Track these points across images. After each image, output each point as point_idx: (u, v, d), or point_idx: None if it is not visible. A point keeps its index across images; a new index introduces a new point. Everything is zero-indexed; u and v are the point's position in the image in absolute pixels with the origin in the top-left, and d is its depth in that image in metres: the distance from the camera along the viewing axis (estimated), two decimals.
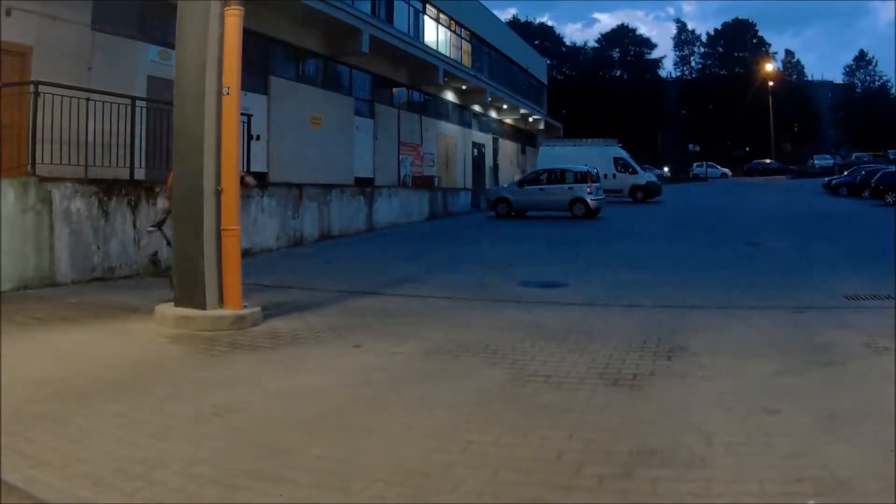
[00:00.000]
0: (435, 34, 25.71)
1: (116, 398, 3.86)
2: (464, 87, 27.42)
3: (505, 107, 33.31)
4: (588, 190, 20.55)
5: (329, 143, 17.86)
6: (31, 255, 7.74)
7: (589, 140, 31.69)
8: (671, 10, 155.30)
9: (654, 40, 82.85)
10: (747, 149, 65.42)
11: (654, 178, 30.87)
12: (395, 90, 23.41)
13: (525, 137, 39.91)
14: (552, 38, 75.78)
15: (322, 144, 17.48)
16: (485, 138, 32.47)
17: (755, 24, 73.74)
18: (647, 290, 7.90)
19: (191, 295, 5.96)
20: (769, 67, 64.83)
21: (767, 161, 59.63)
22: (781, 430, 3.31)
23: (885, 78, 73.16)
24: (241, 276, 6.16)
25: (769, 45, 74.07)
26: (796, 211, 22.07)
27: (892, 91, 72.71)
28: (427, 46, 24.03)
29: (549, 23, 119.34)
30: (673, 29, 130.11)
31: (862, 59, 75.24)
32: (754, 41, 72.19)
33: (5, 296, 7.08)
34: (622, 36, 75.74)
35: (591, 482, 2.78)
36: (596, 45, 76.91)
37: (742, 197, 30.07)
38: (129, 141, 9.35)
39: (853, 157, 50.87)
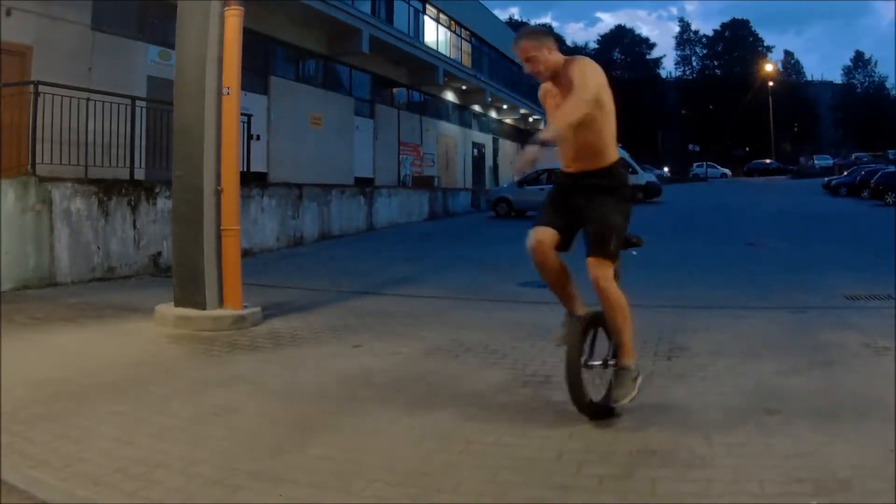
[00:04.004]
0: (435, 34, 25.72)
1: (116, 398, 3.86)
2: (464, 87, 27.44)
3: (505, 107, 33.33)
4: None
5: (329, 143, 17.87)
6: (31, 255, 7.74)
7: None
8: (674, 10, 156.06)
9: (656, 40, 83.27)
10: (747, 149, 65.46)
11: (654, 178, 30.88)
12: (395, 90, 23.42)
13: (525, 137, 39.88)
14: (552, 38, 75.76)
15: (322, 144, 17.49)
16: (485, 138, 32.48)
17: (750, 24, 73.83)
18: (647, 290, 7.88)
19: (191, 295, 5.96)
20: (769, 67, 64.86)
21: (767, 161, 59.67)
22: (781, 430, 3.31)
23: (884, 78, 73.23)
24: (241, 276, 6.15)
25: (763, 41, 74.14)
26: (796, 211, 22.07)
27: (892, 91, 72.74)
28: (427, 46, 24.03)
29: (552, 23, 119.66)
30: (675, 28, 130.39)
31: (860, 59, 75.27)
32: (751, 40, 72.16)
33: (5, 296, 7.08)
34: (622, 36, 75.78)
35: (591, 482, 2.78)
36: (596, 45, 77.01)
37: (742, 197, 30.07)
38: (129, 141, 9.36)
39: (853, 157, 50.88)
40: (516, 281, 8.67)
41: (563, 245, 3.52)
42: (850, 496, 2.59)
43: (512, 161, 36.80)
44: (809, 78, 77.86)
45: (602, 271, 3.38)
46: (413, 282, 8.74)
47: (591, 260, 3.41)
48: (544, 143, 3.15)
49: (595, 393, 3.52)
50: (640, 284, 8.34)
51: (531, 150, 3.12)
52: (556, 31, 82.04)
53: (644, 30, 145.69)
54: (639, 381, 3.53)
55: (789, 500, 2.58)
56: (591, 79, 3.33)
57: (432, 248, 13.24)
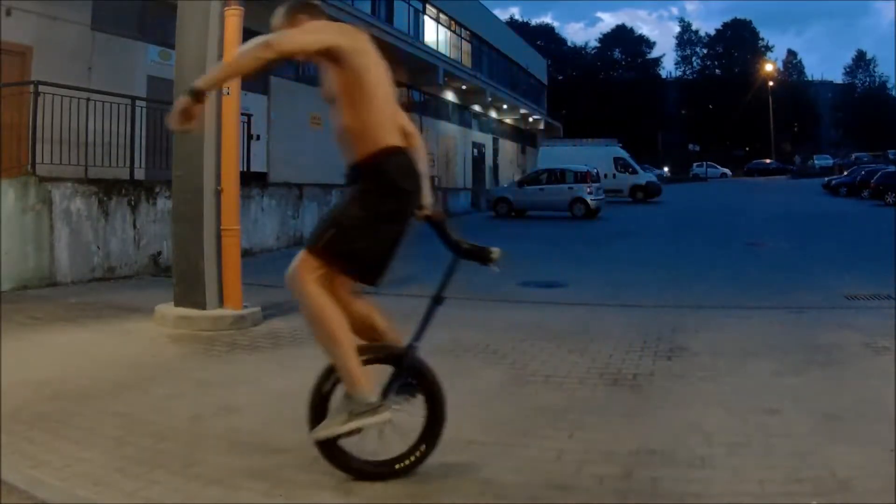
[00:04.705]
0: (435, 34, 25.72)
1: (117, 398, 3.86)
2: (464, 87, 27.41)
3: (505, 107, 33.31)
4: (588, 190, 20.58)
5: (329, 143, 17.63)
6: (31, 255, 7.74)
7: (589, 140, 31.75)
8: (674, 10, 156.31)
9: (656, 40, 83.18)
10: (747, 149, 65.45)
11: (654, 178, 30.95)
12: None
13: (525, 137, 39.90)
14: (554, 39, 75.88)
15: (322, 144, 17.44)
16: (485, 138, 32.47)
17: (752, 24, 73.88)
18: (648, 290, 7.91)
19: (191, 295, 5.96)
20: (769, 67, 64.90)
21: (767, 161, 59.70)
22: (781, 430, 3.31)
23: (884, 78, 73.35)
24: (241, 276, 6.15)
25: (765, 41, 74.22)
26: (796, 211, 22.08)
27: (892, 91, 72.84)
28: (427, 46, 24.04)
29: (552, 22, 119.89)
30: (675, 28, 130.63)
31: (861, 59, 75.36)
32: (752, 40, 72.18)
33: (5, 296, 7.07)
34: (622, 36, 75.82)
35: (591, 482, 2.78)
36: (597, 45, 77.09)
37: (742, 197, 30.08)
38: (129, 141, 9.35)
39: (853, 157, 50.91)
40: (516, 281, 8.66)
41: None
42: (850, 496, 2.59)
43: (512, 160, 36.83)
44: (810, 78, 78.00)
45: (298, 264, 2.66)
46: (413, 281, 8.70)
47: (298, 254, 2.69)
48: (197, 93, 2.58)
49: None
50: (640, 284, 8.39)
51: (182, 101, 2.58)
52: (557, 31, 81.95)
53: (644, 30, 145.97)
54: (359, 422, 2.60)
55: (789, 500, 2.58)
56: (306, 34, 2.70)
57: (431, 247, 13.23)
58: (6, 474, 2.79)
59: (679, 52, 75.95)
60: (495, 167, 33.57)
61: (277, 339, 5.50)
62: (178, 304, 6.03)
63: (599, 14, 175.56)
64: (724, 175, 56.37)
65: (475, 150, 31.09)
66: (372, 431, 2.68)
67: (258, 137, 13.96)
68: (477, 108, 30.66)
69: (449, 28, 27.38)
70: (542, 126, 40.06)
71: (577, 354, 4.88)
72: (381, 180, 2.70)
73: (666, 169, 58.88)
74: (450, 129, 28.10)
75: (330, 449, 2.71)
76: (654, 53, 76.01)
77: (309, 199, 13.65)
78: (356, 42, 2.73)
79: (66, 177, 8.30)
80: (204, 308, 5.92)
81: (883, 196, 24.99)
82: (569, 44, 79.25)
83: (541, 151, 30.93)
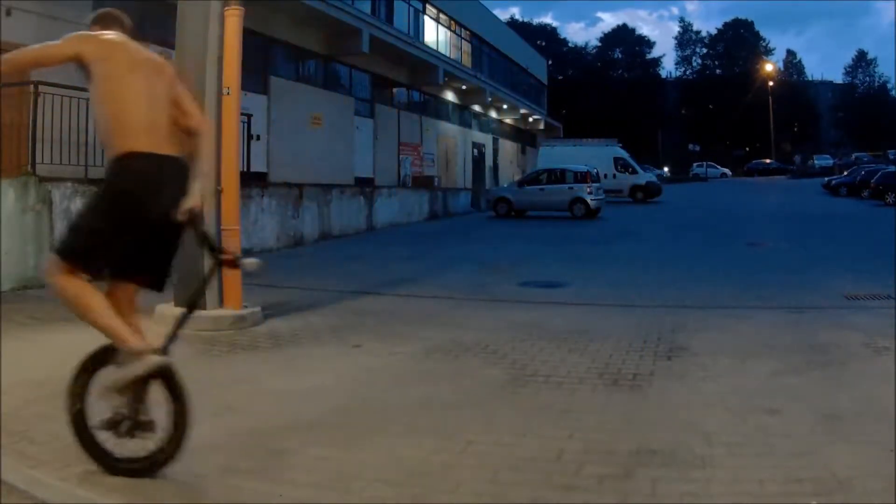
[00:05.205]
0: (435, 34, 25.73)
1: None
2: (464, 87, 27.43)
3: (505, 107, 33.33)
4: (588, 190, 20.59)
5: (329, 143, 17.86)
6: (31, 255, 7.74)
7: (589, 140, 31.72)
8: (675, 10, 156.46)
9: (656, 40, 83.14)
10: (747, 149, 65.49)
11: (654, 178, 30.92)
12: (395, 90, 23.42)
13: (525, 137, 39.92)
14: (554, 39, 75.89)
15: (322, 144, 17.48)
16: (485, 138, 32.48)
17: (753, 24, 73.90)
18: (648, 290, 7.91)
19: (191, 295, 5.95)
20: (769, 67, 64.92)
21: (767, 161, 59.72)
22: (781, 430, 3.31)
23: (884, 78, 73.34)
24: (241, 276, 6.15)
25: (767, 41, 74.26)
26: (796, 211, 22.09)
27: (892, 91, 72.84)
28: (427, 46, 24.05)
29: (552, 22, 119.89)
30: (675, 28, 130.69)
31: (861, 59, 75.36)
32: (753, 40, 72.19)
33: (5, 296, 7.07)
34: (622, 36, 75.84)
35: (591, 482, 2.78)
36: (597, 45, 77.11)
37: (742, 197, 30.09)
38: None
39: (853, 157, 50.90)
40: (516, 281, 8.67)
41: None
42: (850, 496, 2.59)
43: (512, 160, 36.84)
44: (810, 78, 78.00)
45: (49, 266, 2.86)
46: (413, 282, 8.74)
47: None
48: None
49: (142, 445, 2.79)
50: (640, 284, 8.39)
51: None
52: (557, 31, 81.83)
53: (644, 30, 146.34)
54: (127, 370, 2.81)
55: (789, 500, 2.58)
56: (46, 46, 3.06)
57: (432, 248, 13.23)
58: (6, 474, 2.79)
59: (679, 52, 76.05)
60: (495, 167, 33.58)
61: (277, 339, 5.50)
62: (178, 304, 6.02)
63: (600, 14, 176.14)
64: (723, 175, 56.37)
65: (475, 150, 31.10)
66: (123, 429, 2.77)
67: (258, 137, 13.96)
68: (477, 108, 30.67)
69: (449, 28, 27.39)
70: (542, 126, 40.08)
71: (577, 354, 4.88)
72: (110, 184, 2.82)
73: (666, 169, 58.90)
74: (450, 129, 28.12)
75: (90, 445, 2.83)
76: (655, 53, 76.11)
77: (309, 199, 13.65)
78: (102, 51, 2.89)
79: (66, 177, 8.29)
80: (204, 308, 5.92)
81: (883, 196, 24.99)
82: (569, 44, 79.32)
83: (541, 151, 30.90)
